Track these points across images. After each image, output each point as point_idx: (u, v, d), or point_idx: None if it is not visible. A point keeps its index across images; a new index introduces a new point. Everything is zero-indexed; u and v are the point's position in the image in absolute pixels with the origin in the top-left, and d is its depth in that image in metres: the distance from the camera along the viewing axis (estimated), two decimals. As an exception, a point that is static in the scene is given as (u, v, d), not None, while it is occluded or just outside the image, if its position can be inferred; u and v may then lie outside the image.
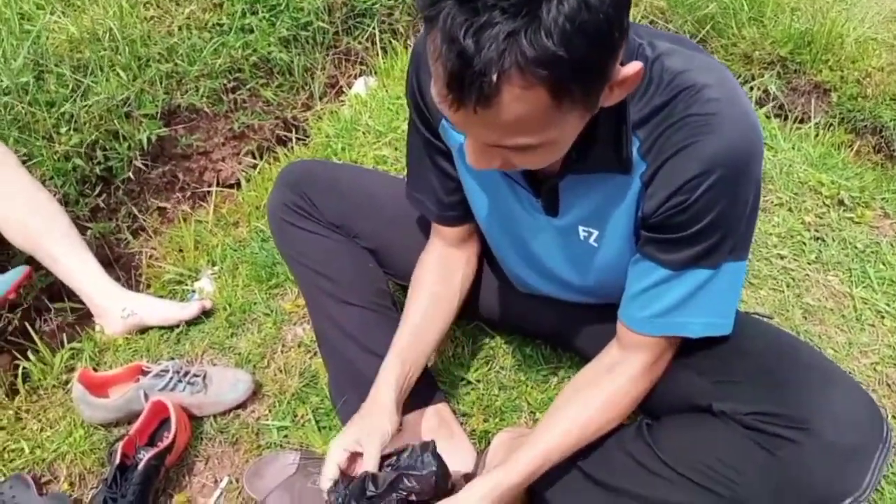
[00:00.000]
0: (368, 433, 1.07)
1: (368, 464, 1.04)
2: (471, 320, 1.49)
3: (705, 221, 0.89)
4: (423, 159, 1.16)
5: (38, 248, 1.56)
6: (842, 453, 0.89)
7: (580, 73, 0.71)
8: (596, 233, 1.03)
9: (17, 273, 1.55)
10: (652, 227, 0.94)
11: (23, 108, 1.98)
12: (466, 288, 1.28)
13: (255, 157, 2.38)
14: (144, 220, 2.06)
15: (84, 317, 1.83)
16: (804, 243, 1.67)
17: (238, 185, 2.30)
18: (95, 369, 1.49)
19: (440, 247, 1.26)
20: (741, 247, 0.95)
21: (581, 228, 1.04)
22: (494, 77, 0.68)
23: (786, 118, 2.39)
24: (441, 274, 1.25)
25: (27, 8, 2.31)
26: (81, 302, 1.80)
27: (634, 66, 0.78)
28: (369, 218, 1.35)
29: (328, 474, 1.04)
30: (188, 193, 2.28)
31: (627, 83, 0.80)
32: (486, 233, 1.22)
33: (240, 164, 2.39)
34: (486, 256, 1.32)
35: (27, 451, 1.35)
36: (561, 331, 1.35)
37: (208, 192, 2.27)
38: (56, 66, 2.12)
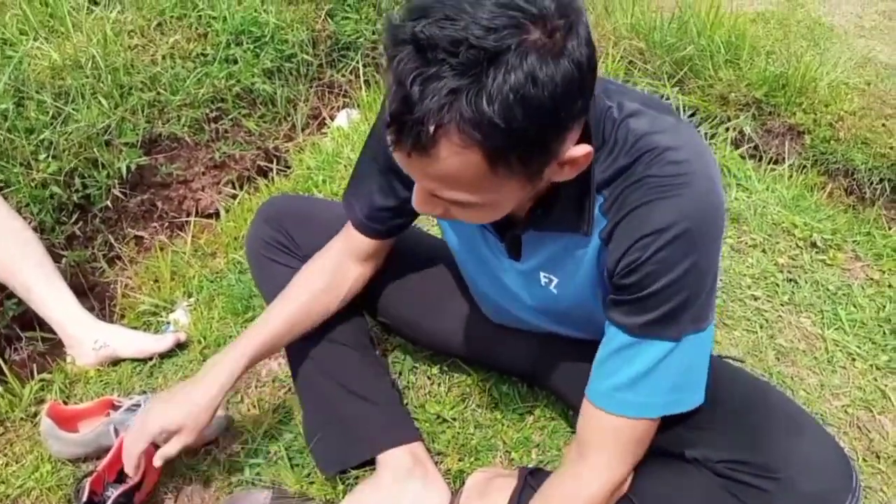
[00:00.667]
0: (192, 425, 1.14)
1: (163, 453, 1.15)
2: (447, 356, 1.49)
3: (660, 283, 0.87)
4: (374, 170, 1.14)
5: (11, 276, 1.55)
6: (812, 502, 0.89)
7: (518, 145, 0.72)
8: (556, 280, 1.03)
9: None
10: (614, 288, 0.93)
11: (1, 134, 1.97)
12: (343, 302, 1.27)
13: (234, 188, 2.39)
14: (121, 249, 2.05)
15: (56, 346, 1.81)
16: (777, 284, 1.70)
17: (217, 215, 2.30)
18: (65, 402, 1.47)
19: (342, 253, 1.24)
20: (702, 317, 0.92)
21: (542, 274, 1.04)
22: (431, 128, 0.70)
23: (760, 159, 2.44)
24: (326, 287, 1.24)
25: (9, 34, 2.31)
26: (53, 331, 1.78)
27: (583, 149, 0.79)
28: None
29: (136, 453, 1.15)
30: (166, 223, 2.27)
31: (577, 164, 0.81)
32: (460, 265, 1.23)
33: (219, 193, 2.39)
34: (462, 293, 1.33)
35: (-9, 486, 1.32)
36: (536, 366, 1.35)
37: (186, 221, 2.26)
38: (37, 92, 2.11)
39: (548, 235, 0.97)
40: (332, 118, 2.69)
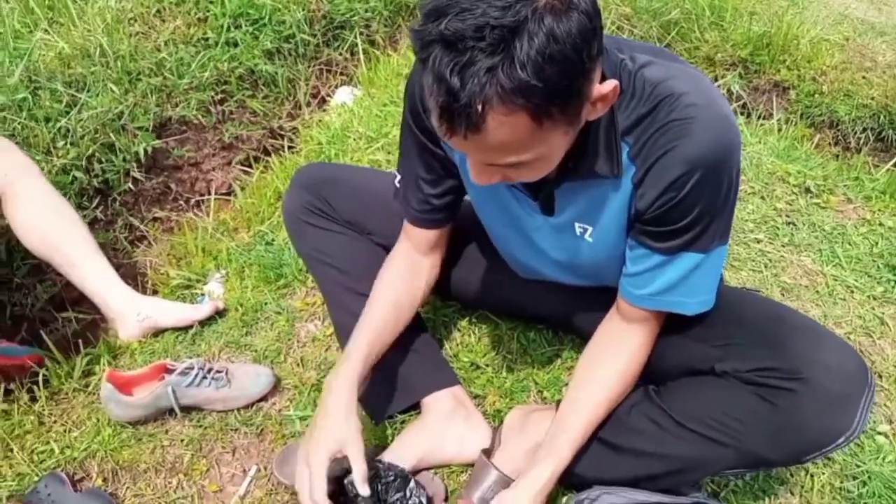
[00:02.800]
0: (348, 437, 1.14)
1: (359, 473, 1.12)
2: (474, 309, 1.58)
3: (694, 213, 0.99)
4: (414, 157, 1.22)
5: (57, 253, 1.60)
6: (834, 397, 1.00)
7: (555, 97, 0.81)
8: (591, 228, 1.12)
9: (32, 350, 1.61)
10: (646, 222, 1.04)
11: (20, 123, 2.01)
12: (427, 293, 1.36)
13: (244, 167, 2.45)
14: (146, 230, 2.10)
15: (88, 326, 1.88)
16: (777, 228, 1.80)
17: (230, 193, 2.36)
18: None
19: (409, 251, 1.33)
20: (726, 231, 1.05)
21: (577, 225, 1.13)
22: (479, 108, 0.79)
23: (749, 115, 2.54)
24: (406, 282, 1.31)
25: (16, 26, 2.34)
26: (86, 311, 1.85)
27: (610, 84, 0.88)
28: (381, 215, 1.42)
29: (321, 490, 1.09)
30: (181, 203, 2.33)
31: (607, 99, 0.90)
32: (489, 230, 1.31)
33: (230, 173, 2.44)
34: (488, 248, 1.41)
35: (57, 451, 1.39)
36: (562, 313, 1.44)
37: (200, 201, 2.32)
38: (49, 81, 2.15)
39: (580, 186, 1.06)
40: (330, 95, 2.75)
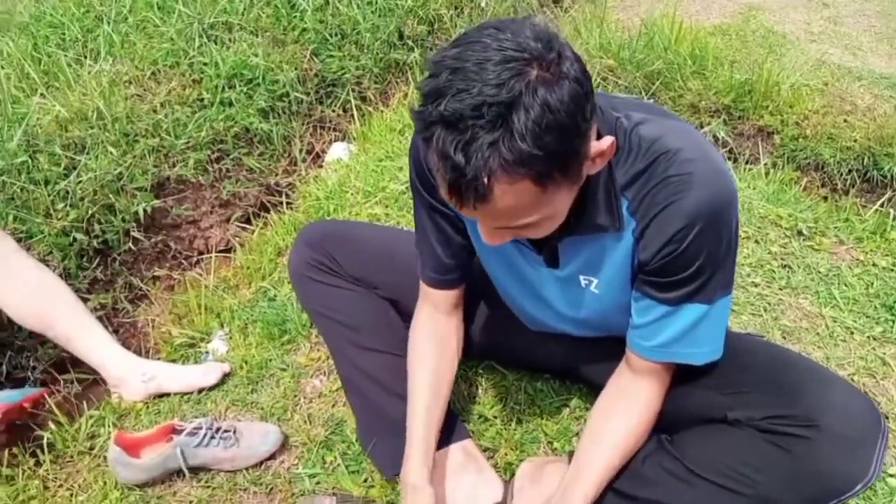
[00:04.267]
0: None
1: None
2: (482, 360, 1.58)
3: (696, 265, 1.02)
4: (425, 222, 1.26)
5: (49, 328, 1.60)
6: (849, 444, 1.01)
7: (556, 162, 0.85)
8: (596, 280, 1.15)
9: (33, 390, 1.60)
10: (649, 273, 1.07)
11: (20, 186, 2.02)
12: (459, 353, 1.37)
13: (241, 224, 2.46)
14: (148, 290, 2.10)
15: (90, 386, 1.86)
16: (773, 271, 1.83)
17: (229, 250, 2.37)
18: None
19: (432, 317, 1.35)
20: (729, 281, 1.08)
21: (582, 277, 1.16)
22: (485, 180, 0.83)
23: (736, 160, 2.60)
24: (438, 352, 1.33)
25: (14, 92, 2.37)
26: (88, 372, 1.83)
27: (608, 140, 0.93)
28: (387, 270, 1.44)
29: None
30: (180, 261, 2.33)
31: (605, 154, 0.94)
32: (497, 285, 1.33)
33: (228, 230, 2.46)
34: (496, 299, 1.42)
35: (63, 518, 1.37)
36: (570, 363, 1.45)
37: (199, 259, 2.33)
38: (47, 145, 2.17)
39: (583, 240, 1.09)
40: (325, 151, 2.79)
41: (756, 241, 1.93)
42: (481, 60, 0.81)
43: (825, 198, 2.42)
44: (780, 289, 1.79)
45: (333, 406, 1.55)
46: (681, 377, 1.18)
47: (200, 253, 2.37)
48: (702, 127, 2.74)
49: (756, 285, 1.79)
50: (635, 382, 1.18)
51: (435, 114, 0.82)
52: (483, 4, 3.43)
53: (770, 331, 1.68)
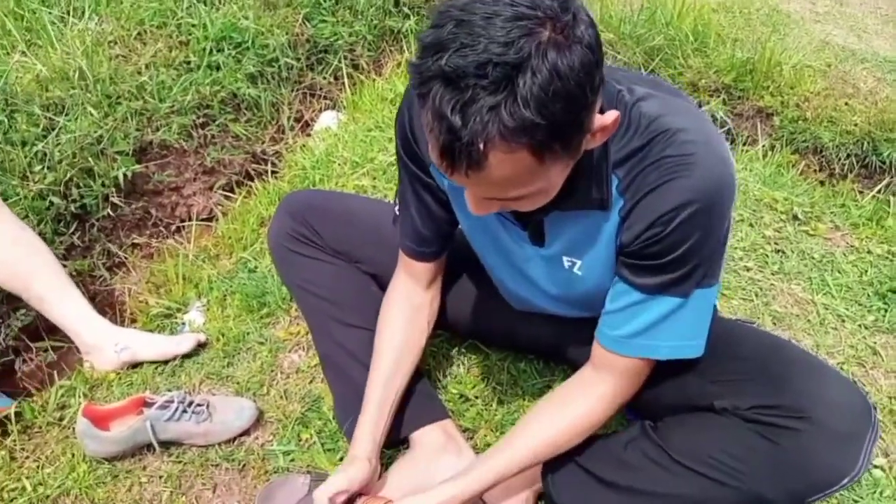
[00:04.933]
0: (348, 481, 1.16)
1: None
2: (465, 339, 1.54)
3: (678, 252, 0.96)
4: (408, 192, 1.21)
5: (25, 288, 1.55)
6: (839, 437, 0.97)
7: (558, 134, 0.78)
8: (579, 262, 1.10)
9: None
10: (628, 255, 1.01)
11: (-5, 147, 1.96)
12: (430, 327, 1.34)
13: (226, 192, 2.40)
14: (125, 257, 2.05)
15: (64, 355, 1.81)
16: (767, 255, 1.79)
17: (211, 219, 2.32)
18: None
19: (407, 287, 1.31)
20: (711, 274, 1.01)
21: (565, 258, 1.11)
22: (481, 146, 0.76)
23: (734, 141, 2.55)
24: (408, 319, 1.29)
25: (-4, 51, 2.30)
26: (61, 340, 1.79)
27: (612, 115, 0.86)
28: (371, 244, 1.39)
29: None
30: (161, 229, 2.28)
31: (608, 130, 0.87)
32: (482, 259, 1.28)
33: (211, 199, 2.40)
34: (481, 276, 1.38)
35: (29, 488, 1.33)
36: (554, 343, 1.41)
37: (181, 227, 2.27)
38: (26, 104, 2.10)
39: (569, 217, 1.03)
40: (313, 120, 2.72)
41: (750, 225, 1.88)
42: (490, 14, 0.75)
43: (822, 182, 2.38)
44: (773, 274, 1.75)
45: (311, 382, 1.51)
46: (667, 363, 1.14)
47: (182, 221, 2.31)
48: (700, 106, 2.68)
49: (748, 269, 1.76)
50: (590, 379, 1.13)
51: (434, 68, 0.75)
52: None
53: (760, 316, 1.64)
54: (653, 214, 0.95)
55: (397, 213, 1.26)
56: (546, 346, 1.45)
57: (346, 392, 1.36)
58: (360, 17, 2.90)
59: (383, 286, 1.40)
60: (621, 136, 0.96)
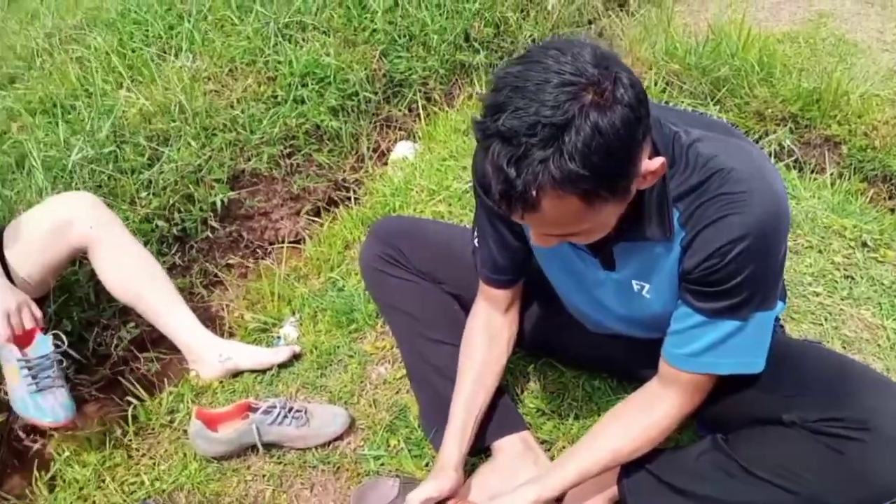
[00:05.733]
0: (437, 490, 1.26)
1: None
2: (539, 357, 1.63)
3: (735, 281, 1.06)
4: (485, 225, 1.33)
5: (141, 301, 1.72)
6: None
7: (603, 182, 0.91)
8: (647, 286, 1.20)
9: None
10: (690, 281, 1.11)
11: (107, 175, 2.16)
12: (510, 348, 1.44)
13: (309, 216, 2.56)
14: (223, 276, 2.22)
15: (167, 365, 1.98)
16: (836, 281, 1.83)
17: (297, 241, 2.47)
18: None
19: (486, 312, 1.41)
20: (769, 299, 1.11)
21: (634, 282, 1.21)
22: (534, 193, 0.89)
23: (801, 169, 2.58)
24: (489, 342, 1.40)
25: (102, 85, 2.52)
26: (165, 351, 1.95)
27: (658, 161, 0.98)
28: (452, 266, 1.51)
29: None
30: (252, 250, 2.45)
31: (656, 173, 0.99)
32: (555, 284, 1.38)
33: (297, 223, 2.56)
34: (555, 299, 1.47)
35: (147, 483, 1.47)
36: (626, 363, 1.49)
37: (270, 249, 2.44)
38: (132, 136, 2.31)
39: (635, 246, 1.14)
40: (390, 150, 2.87)
41: (819, 251, 1.92)
42: (541, 82, 0.88)
43: (892, 210, 2.39)
44: (842, 299, 1.79)
45: (397, 393, 1.62)
46: (737, 381, 1.21)
47: (271, 243, 2.48)
48: (767, 135, 2.72)
49: (817, 294, 1.80)
50: (657, 394, 1.22)
51: (493, 127, 0.89)
52: (549, 7, 3.46)
53: (830, 340, 1.68)
54: (711, 246, 1.05)
55: (476, 244, 1.37)
56: (617, 364, 1.53)
57: (432, 403, 1.47)
58: (432, 52, 3.04)
59: (464, 305, 1.52)
60: (680, 174, 1.07)
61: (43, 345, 1.48)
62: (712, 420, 1.29)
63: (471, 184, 2.19)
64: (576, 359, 1.59)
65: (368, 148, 2.80)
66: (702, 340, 1.13)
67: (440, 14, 3.09)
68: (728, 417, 1.24)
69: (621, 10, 3.92)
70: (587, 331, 1.44)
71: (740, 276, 1.05)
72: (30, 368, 1.44)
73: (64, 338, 1.53)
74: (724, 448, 1.20)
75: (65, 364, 1.52)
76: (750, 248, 1.03)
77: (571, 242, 1.18)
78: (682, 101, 2.82)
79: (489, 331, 1.40)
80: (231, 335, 1.95)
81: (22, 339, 1.49)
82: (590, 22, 3.76)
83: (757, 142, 2.66)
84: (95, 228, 1.69)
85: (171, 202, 2.20)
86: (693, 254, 1.08)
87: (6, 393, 1.69)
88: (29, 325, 1.47)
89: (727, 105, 2.87)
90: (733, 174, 1.04)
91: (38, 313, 1.50)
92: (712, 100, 2.84)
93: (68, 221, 1.68)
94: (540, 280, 1.40)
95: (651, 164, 0.97)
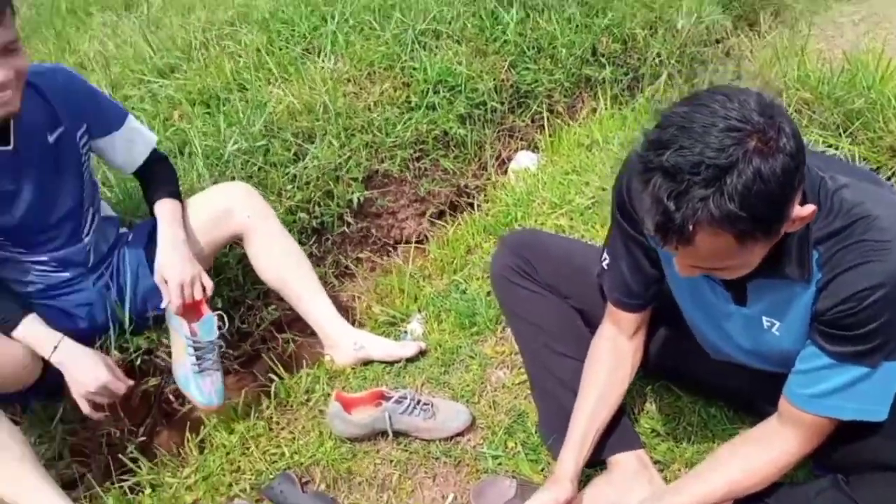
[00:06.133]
0: (554, 500, 1.34)
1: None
2: (658, 379, 1.69)
3: (868, 328, 1.09)
4: (619, 248, 1.39)
5: (286, 286, 1.88)
6: None
7: (758, 224, 0.97)
8: (778, 323, 1.24)
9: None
10: (822, 323, 1.15)
11: (258, 167, 2.35)
12: (634, 371, 1.49)
13: (431, 219, 2.70)
14: (355, 268, 2.38)
15: (301, 346, 2.15)
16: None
17: (419, 241, 2.61)
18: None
19: (613, 334, 1.47)
20: None
21: (765, 319, 1.25)
22: (690, 228, 0.96)
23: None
24: (613, 363, 1.46)
25: (257, 83, 2.72)
26: (300, 334, 2.12)
27: (809, 208, 1.03)
28: (579, 283, 1.59)
29: None
30: (379, 247, 2.60)
31: (805, 219, 1.04)
32: (683, 310, 1.44)
33: (421, 224, 2.70)
34: (680, 323, 1.53)
35: (287, 454, 1.63)
36: (747, 395, 1.53)
37: (395, 246, 2.59)
38: (280, 132, 2.49)
39: (770, 284, 1.19)
40: (510, 158, 2.96)
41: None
42: (707, 125, 0.95)
43: None
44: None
45: (515, 398, 1.72)
46: (860, 424, 1.24)
47: (396, 241, 2.63)
48: (900, 172, 2.65)
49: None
50: (778, 430, 1.26)
51: (656, 162, 0.96)
52: (679, 26, 3.46)
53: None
54: (848, 290, 1.09)
55: (604, 266, 1.44)
56: (737, 395, 1.57)
57: (553, 413, 1.56)
58: (559, 65, 3.11)
59: (587, 321, 1.59)
60: (823, 218, 1.11)
61: (210, 327, 1.65)
62: (830, 461, 1.32)
63: (593, 200, 2.28)
64: (695, 384, 1.64)
65: (491, 156, 2.91)
66: (828, 383, 1.17)
67: (570, 28, 3.16)
68: (848, 460, 1.27)
69: (751, 31, 3.87)
70: (710, 358, 1.49)
71: (874, 323, 1.09)
72: (196, 349, 1.62)
73: (225, 319, 1.71)
74: (844, 489, 1.24)
75: (223, 348, 1.69)
76: (887, 297, 1.06)
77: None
78: (812, 132, 2.78)
79: (616, 353, 1.47)
80: (360, 325, 2.10)
81: (190, 309, 1.66)
82: (717, 41, 3.73)
83: (889, 179, 2.60)
84: (252, 218, 1.86)
85: (312, 196, 2.37)
86: (828, 296, 1.12)
87: (161, 359, 1.90)
88: (199, 295, 1.65)
89: (859, 138, 2.80)
90: (877, 222, 1.08)
91: (210, 284, 1.68)
92: (844, 132, 2.78)
93: (228, 210, 1.86)
94: (668, 304, 1.46)
95: (802, 210, 1.03)
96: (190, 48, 3.14)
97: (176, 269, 1.62)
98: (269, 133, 2.48)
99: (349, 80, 2.83)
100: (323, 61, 2.89)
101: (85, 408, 1.56)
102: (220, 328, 1.67)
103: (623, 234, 1.37)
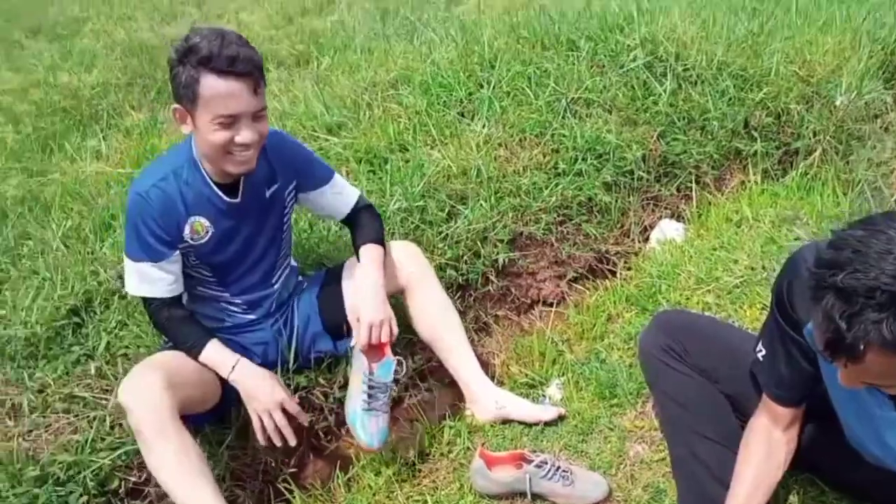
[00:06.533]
0: None
1: None
2: (804, 472, 1.66)
3: None
4: (777, 345, 1.41)
5: (440, 340, 2.01)
6: None
7: None
8: None
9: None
10: None
11: (414, 224, 2.52)
12: (787, 464, 1.48)
13: (569, 282, 2.76)
14: (494, 325, 2.48)
15: (438, 397, 2.25)
16: None
17: (555, 304, 2.67)
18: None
19: (767, 424, 1.47)
20: None
21: None
22: (861, 348, 0.99)
23: None
24: (767, 454, 1.46)
25: (417, 144, 2.92)
26: (435, 384, 2.23)
27: None
28: (731, 369, 1.60)
29: None
30: (516, 305, 2.69)
31: None
32: (840, 415, 1.42)
33: (559, 286, 2.77)
34: (834, 421, 1.50)
35: (430, 503, 1.73)
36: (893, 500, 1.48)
37: (532, 306, 2.67)
38: (436, 192, 2.65)
39: None
40: (651, 226, 2.98)
41: None
42: (883, 251, 0.98)
43: None
44: None
45: (654, 474, 1.74)
46: None
47: (533, 301, 2.70)
48: None
49: None
50: None
51: (830, 282, 1.01)
52: (837, 103, 3.38)
53: None
54: None
55: (759, 358, 1.46)
56: (884, 500, 1.52)
57: (692, 494, 1.57)
58: (710, 136, 3.11)
59: (737, 408, 1.60)
60: None
61: (388, 370, 1.78)
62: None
63: (742, 279, 2.27)
64: (845, 484, 1.60)
65: (634, 223, 2.94)
66: None
67: (723, 101, 3.16)
68: None
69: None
70: (863, 461, 1.46)
71: None
72: (370, 387, 1.76)
73: (404, 364, 1.84)
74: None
75: (395, 392, 1.81)
76: None
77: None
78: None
79: (769, 445, 1.47)
80: (499, 383, 2.18)
81: (373, 350, 1.80)
82: (875, 116, 3.60)
83: None
84: (416, 274, 2.01)
85: (461, 255, 2.50)
86: None
87: (316, 397, 2.07)
88: (385, 338, 1.79)
89: None
90: None
91: (396, 329, 1.82)
92: None
93: (398, 266, 2.01)
94: (823, 401, 1.45)
95: None
96: (357, 107, 3.40)
97: (370, 310, 1.77)
98: (427, 193, 2.65)
99: (500, 145, 2.96)
100: (478, 125, 3.05)
101: (257, 424, 1.72)
102: (396, 372, 1.80)
103: (782, 333, 1.39)
